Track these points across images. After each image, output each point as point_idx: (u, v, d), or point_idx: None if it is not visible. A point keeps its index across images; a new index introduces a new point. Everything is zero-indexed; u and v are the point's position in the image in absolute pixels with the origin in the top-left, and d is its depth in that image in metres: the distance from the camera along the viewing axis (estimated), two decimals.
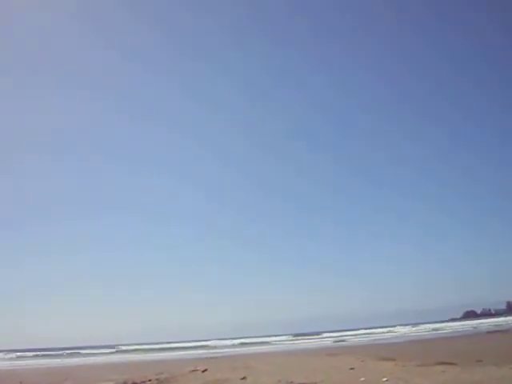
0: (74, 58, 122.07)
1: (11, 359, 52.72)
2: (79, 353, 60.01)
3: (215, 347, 55.01)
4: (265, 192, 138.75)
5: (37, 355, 58.65)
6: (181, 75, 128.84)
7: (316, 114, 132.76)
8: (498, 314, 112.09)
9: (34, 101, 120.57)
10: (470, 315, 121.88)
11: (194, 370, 15.98)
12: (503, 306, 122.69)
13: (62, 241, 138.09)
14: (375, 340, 45.84)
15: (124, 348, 66.80)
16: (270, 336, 75.68)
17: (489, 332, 39.19)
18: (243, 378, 12.86)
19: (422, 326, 73.81)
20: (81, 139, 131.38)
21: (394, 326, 77.77)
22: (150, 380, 14.71)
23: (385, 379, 10.55)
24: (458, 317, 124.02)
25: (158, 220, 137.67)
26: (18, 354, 64.14)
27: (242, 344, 59.29)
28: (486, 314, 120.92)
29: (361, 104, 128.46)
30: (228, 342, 63.58)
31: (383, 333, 63.66)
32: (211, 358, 29.34)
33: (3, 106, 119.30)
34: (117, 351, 60.48)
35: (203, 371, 15.59)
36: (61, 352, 63.62)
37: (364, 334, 65.42)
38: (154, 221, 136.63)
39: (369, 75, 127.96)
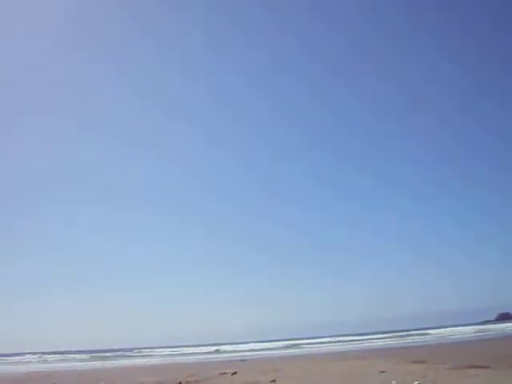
0: None
1: (43, 361, 54.16)
2: (109, 355, 61.14)
3: (244, 350, 55.16)
4: (275, 194, 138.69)
5: (67, 357, 60.04)
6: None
7: (319, 113, 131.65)
8: None
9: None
10: (504, 317, 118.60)
11: (223, 373, 16.10)
12: None
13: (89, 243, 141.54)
14: (406, 343, 45.11)
15: (153, 351, 67.66)
16: (297, 339, 75.41)
17: None
18: (272, 381, 12.90)
19: (455, 329, 72.18)
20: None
21: (427, 329, 76.27)
22: (180, 382, 14.92)
23: (416, 382, 10.42)
24: (492, 319, 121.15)
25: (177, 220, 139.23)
26: (49, 356, 65.87)
27: (269, 347, 59.28)
28: None
29: (364, 103, 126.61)
30: (254, 346, 63.65)
31: (415, 335, 62.58)
32: (240, 360, 29.43)
33: None
34: (146, 354, 61.32)
35: (232, 374, 15.70)
36: (91, 355, 64.96)
37: (394, 336, 64.49)
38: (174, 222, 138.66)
39: (374, 75, 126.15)
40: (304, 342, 67.30)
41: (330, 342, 64.47)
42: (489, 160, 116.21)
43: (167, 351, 64.92)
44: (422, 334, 63.56)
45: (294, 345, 61.55)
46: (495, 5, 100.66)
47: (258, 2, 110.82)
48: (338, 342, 62.76)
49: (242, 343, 75.97)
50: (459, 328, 73.52)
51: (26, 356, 68.71)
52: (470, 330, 66.59)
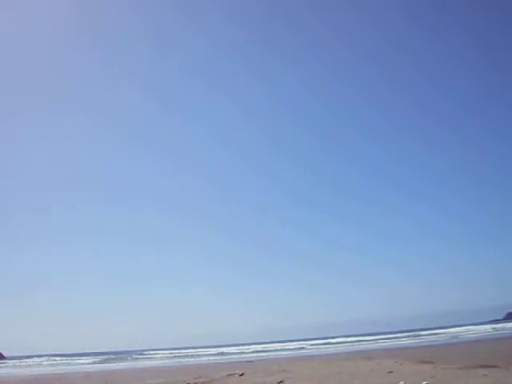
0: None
1: (52, 364, 54.40)
2: (117, 358, 61.29)
3: (250, 351, 55.13)
4: (287, 195, 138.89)
5: (75, 360, 60.23)
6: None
7: (324, 110, 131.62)
8: None
9: None
10: None
11: (230, 374, 16.08)
12: None
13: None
14: (413, 343, 44.91)
15: (160, 353, 67.73)
16: (303, 340, 75.26)
17: None
18: (280, 382, 12.85)
19: (464, 328, 71.78)
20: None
21: (435, 329, 75.90)
22: None
23: (425, 383, 10.34)
24: (501, 318, 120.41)
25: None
26: (58, 358, 66.11)
27: (276, 349, 59.19)
28: None
29: (370, 104, 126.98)
30: (261, 347, 63.59)
31: (423, 335, 62.26)
32: (247, 362, 29.43)
33: None
34: (153, 357, 61.43)
35: (240, 375, 15.67)
36: (99, 357, 65.11)
37: (402, 336, 64.21)
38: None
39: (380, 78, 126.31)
40: (311, 342, 67.17)
41: (337, 342, 64.26)
42: (496, 162, 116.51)
43: (174, 353, 64.98)
44: (429, 334, 63.26)
45: (301, 346, 61.43)
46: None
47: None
48: (346, 342, 62.57)
49: (248, 344, 75.95)
50: (467, 327, 73.11)
51: (35, 359, 69.02)
52: (478, 329, 66.21)
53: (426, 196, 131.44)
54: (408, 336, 63.50)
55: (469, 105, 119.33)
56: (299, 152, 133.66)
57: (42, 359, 65.90)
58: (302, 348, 56.22)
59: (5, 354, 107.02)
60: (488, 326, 73.00)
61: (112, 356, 65.81)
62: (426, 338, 56.33)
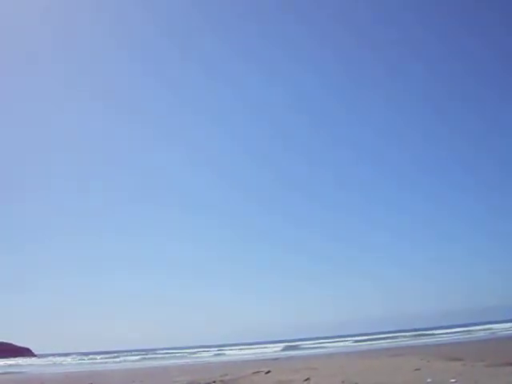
0: None
1: (81, 362, 55.59)
2: (144, 355, 62.19)
3: (274, 350, 55.22)
4: (303, 196, 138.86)
5: (103, 359, 61.37)
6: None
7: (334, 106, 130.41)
8: None
9: None
10: None
11: (257, 372, 16.22)
12: None
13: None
14: (440, 340, 44.29)
15: (187, 351, 68.44)
16: (330, 338, 75.00)
17: None
18: (306, 380, 12.91)
19: (492, 326, 70.27)
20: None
21: (463, 326, 74.58)
22: (214, 382, 15.11)
23: (453, 380, 10.27)
24: None
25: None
26: (87, 356, 67.52)
27: (300, 346, 59.16)
28: None
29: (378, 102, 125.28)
30: (283, 345, 63.61)
31: (451, 333, 61.26)
32: (273, 359, 29.54)
33: None
34: (179, 354, 62.07)
35: (266, 373, 15.79)
36: (127, 354, 66.25)
37: (428, 334, 63.30)
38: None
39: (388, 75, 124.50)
40: (336, 340, 66.90)
41: (363, 340, 63.80)
42: (503, 162, 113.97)
43: (199, 351, 65.56)
44: (456, 332, 62.17)
45: (323, 343, 61.27)
46: None
47: None
48: (371, 339, 62.05)
49: (274, 343, 76.03)
50: (496, 325, 71.51)
51: (65, 357, 70.69)
52: (508, 326, 64.73)
53: (437, 196, 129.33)
54: (434, 334, 62.55)
55: (484, 109, 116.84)
56: (312, 149, 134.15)
57: (70, 357, 67.46)
58: (326, 346, 56.02)
59: (35, 352, 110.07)
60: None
61: (142, 353, 66.93)
62: (454, 335, 55.42)
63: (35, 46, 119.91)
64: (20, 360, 71.99)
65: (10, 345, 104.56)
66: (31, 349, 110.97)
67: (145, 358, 56.03)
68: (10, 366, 52.53)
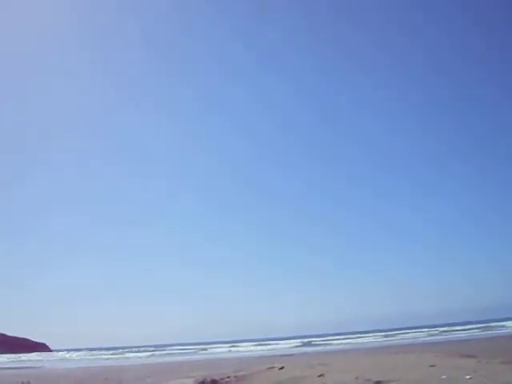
0: None
1: (95, 357, 56.29)
2: (157, 351, 62.78)
3: (288, 346, 55.35)
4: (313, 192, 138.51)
5: (118, 354, 62.09)
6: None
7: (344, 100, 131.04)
8: None
9: None
10: None
11: (270, 368, 16.30)
12: None
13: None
14: (455, 337, 44.03)
15: (200, 346, 68.97)
16: (344, 334, 74.90)
17: None
18: (320, 376, 12.96)
19: (504, 323, 69.57)
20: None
21: (478, 323, 73.91)
22: (228, 377, 15.25)
23: (468, 377, 10.25)
24: None
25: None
26: (102, 352, 68.41)
27: (314, 342, 59.21)
28: None
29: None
30: (297, 341, 63.71)
31: (465, 330, 60.76)
32: (287, 355, 29.65)
33: None
34: (193, 350, 62.54)
35: (280, 369, 15.86)
36: (140, 350, 66.92)
37: (443, 331, 62.92)
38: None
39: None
40: (349, 336, 66.79)
41: (376, 335, 63.65)
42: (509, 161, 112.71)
43: (214, 347, 66.00)
44: (471, 329, 61.65)
45: (335, 339, 61.23)
46: None
47: None
48: (385, 335, 61.90)
49: (287, 339, 76.22)
50: (509, 322, 70.77)
51: (79, 352, 71.65)
52: None
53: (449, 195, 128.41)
54: (449, 330, 62.14)
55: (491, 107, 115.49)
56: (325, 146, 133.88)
57: (87, 353, 68.38)
58: (339, 342, 55.98)
59: (51, 347, 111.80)
60: None
61: (156, 349, 67.56)
62: (468, 332, 55.01)
63: None
64: (36, 355, 73.17)
65: (28, 340, 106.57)
66: (47, 344, 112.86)
67: (158, 354, 56.56)
68: (27, 361, 53.42)
